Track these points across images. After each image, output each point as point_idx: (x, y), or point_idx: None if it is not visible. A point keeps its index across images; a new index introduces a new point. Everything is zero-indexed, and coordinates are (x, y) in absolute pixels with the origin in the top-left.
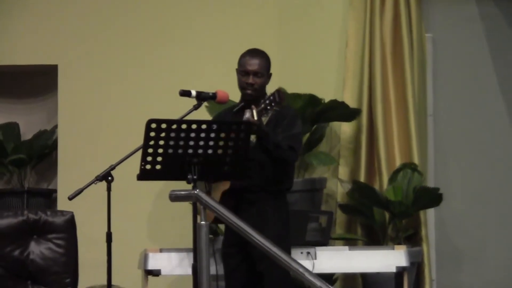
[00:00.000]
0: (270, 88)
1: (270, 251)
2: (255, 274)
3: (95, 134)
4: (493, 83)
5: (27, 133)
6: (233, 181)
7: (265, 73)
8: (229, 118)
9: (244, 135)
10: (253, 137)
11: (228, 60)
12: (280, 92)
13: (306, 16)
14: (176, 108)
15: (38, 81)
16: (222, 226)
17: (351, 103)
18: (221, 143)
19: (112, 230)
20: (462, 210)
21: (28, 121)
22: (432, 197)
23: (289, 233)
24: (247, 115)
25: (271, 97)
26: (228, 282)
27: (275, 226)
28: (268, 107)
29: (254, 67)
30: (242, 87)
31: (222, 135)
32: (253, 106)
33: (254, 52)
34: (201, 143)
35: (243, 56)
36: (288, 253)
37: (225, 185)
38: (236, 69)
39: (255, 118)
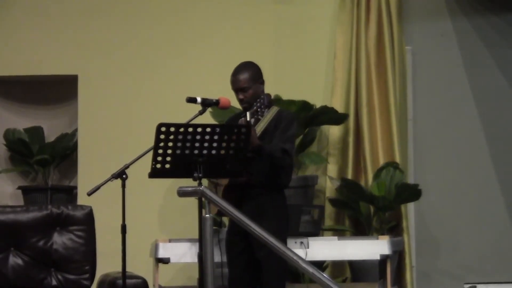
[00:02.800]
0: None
1: (268, 241)
2: (254, 260)
3: (111, 137)
4: (466, 90)
5: (50, 136)
6: (233, 177)
7: (251, 84)
8: (237, 122)
9: (245, 137)
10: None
11: (230, 69)
12: (268, 97)
13: (299, 31)
14: (183, 113)
15: (60, 90)
16: (225, 219)
17: (339, 108)
18: (223, 144)
19: (126, 222)
20: (438, 204)
21: (51, 125)
22: (412, 192)
23: (286, 227)
24: (239, 121)
25: (261, 100)
26: (230, 267)
27: (273, 220)
28: (258, 110)
29: (238, 84)
30: (239, 103)
31: (225, 137)
32: (247, 112)
33: (236, 70)
34: (206, 144)
35: (231, 75)
36: (284, 243)
37: (225, 181)
38: None
39: (248, 119)
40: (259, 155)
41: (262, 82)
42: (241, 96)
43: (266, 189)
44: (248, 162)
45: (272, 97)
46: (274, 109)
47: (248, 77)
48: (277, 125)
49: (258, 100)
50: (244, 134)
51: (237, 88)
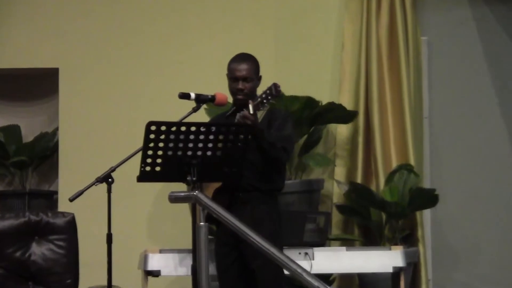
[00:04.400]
0: (261, 87)
1: (268, 251)
2: (247, 272)
3: (96, 137)
4: (488, 85)
5: (28, 136)
6: (230, 181)
7: (254, 77)
8: (222, 121)
9: (243, 137)
10: None
11: (227, 63)
12: (276, 85)
13: (303, 19)
14: (175, 111)
15: (39, 84)
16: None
17: (348, 105)
18: (219, 145)
19: (112, 231)
20: (457, 211)
21: (29, 124)
22: (428, 198)
23: (280, 232)
24: (242, 112)
25: (268, 91)
26: (221, 281)
27: (268, 225)
28: (265, 101)
29: (243, 72)
30: (233, 92)
31: (221, 137)
32: (250, 101)
33: (242, 58)
34: (200, 145)
35: (231, 62)
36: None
37: (217, 183)
38: (226, 74)
39: (251, 112)
40: (259, 141)
41: (260, 78)
42: (241, 86)
43: (258, 192)
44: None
45: None
46: (265, 108)
47: (253, 68)
48: (270, 124)
49: (264, 90)
50: (242, 133)
51: (240, 76)
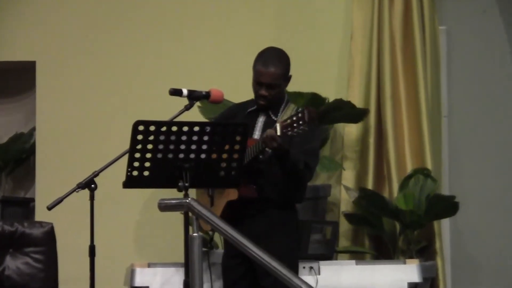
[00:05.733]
0: None
1: (269, 265)
2: None
3: (77, 137)
4: None
5: (2, 137)
6: (229, 188)
7: (280, 82)
8: (242, 117)
9: (241, 138)
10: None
11: (222, 57)
12: (310, 111)
13: (306, 6)
14: (165, 109)
15: (14, 79)
16: (218, 238)
17: (357, 102)
18: (215, 147)
19: (95, 242)
20: (479, 220)
21: (3, 123)
22: (447, 206)
23: (297, 248)
24: (268, 132)
25: (299, 115)
26: None
27: (282, 239)
28: (295, 125)
29: (267, 79)
30: (255, 95)
31: (217, 138)
32: (279, 121)
33: (269, 59)
34: (193, 146)
35: (257, 62)
36: (295, 269)
37: (232, 195)
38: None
39: (278, 133)
40: (282, 163)
41: (290, 78)
42: (264, 93)
43: (276, 204)
44: (258, 174)
45: None
46: (292, 108)
47: (281, 73)
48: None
49: (295, 113)
50: (240, 133)
51: (265, 82)
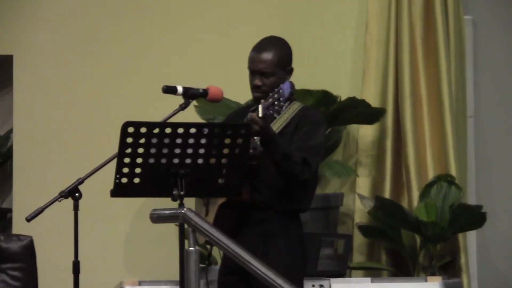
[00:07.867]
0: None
1: (274, 283)
2: None
3: (60, 141)
4: None
5: None
6: (228, 196)
7: (276, 70)
8: (243, 117)
9: (243, 140)
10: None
11: (223, 51)
12: (289, 84)
13: None
14: (158, 108)
15: None
16: (216, 252)
17: (373, 101)
18: (214, 150)
19: (79, 258)
20: (509, 232)
21: None
22: (473, 217)
23: (302, 263)
24: (249, 115)
25: (279, 90)
26: None
27: (285, 254)
28: (275, 102)
29: (260, 65)
30: (250, 87)
31: (215, 141)
32: (262, 101)
33: (262, 46)
34: (190, 150)
35: (251, 50)
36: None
37: (221, 199)
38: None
39: (260, 115)
40: (270, 152)
41: (290, 71)
42: (258, 82)
43: (276, 211)
44: (250, 174)
45: None
46: (296, 105)
47: (274, 59)
48: (299, 128)
49: (276, 90)
50: (242, 136)
51: (256, 70)
